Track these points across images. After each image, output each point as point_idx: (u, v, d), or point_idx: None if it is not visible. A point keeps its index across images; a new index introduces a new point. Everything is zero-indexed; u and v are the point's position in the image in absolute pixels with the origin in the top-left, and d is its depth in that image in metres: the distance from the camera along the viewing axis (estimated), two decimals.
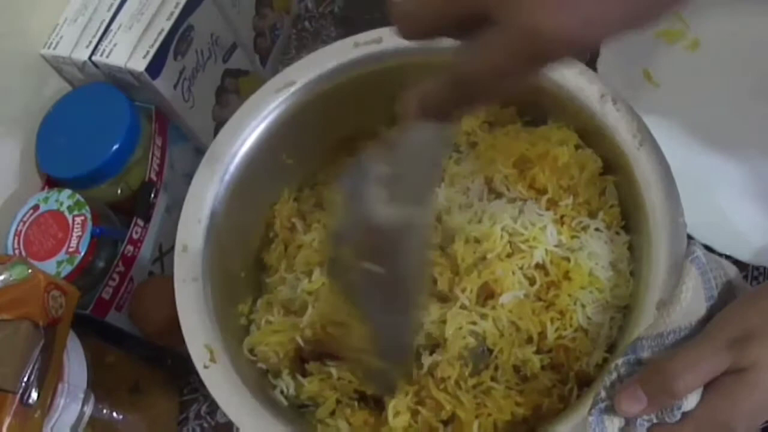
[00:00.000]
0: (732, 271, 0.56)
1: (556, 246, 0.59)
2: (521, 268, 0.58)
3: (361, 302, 0.52)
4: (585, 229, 0.61)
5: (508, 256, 0.58)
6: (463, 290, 0.57)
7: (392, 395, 0.56)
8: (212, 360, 0.56)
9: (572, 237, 0.60)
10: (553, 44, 0.38)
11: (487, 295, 0.58)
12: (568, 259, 0.59)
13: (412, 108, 0.43)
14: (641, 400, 0.49)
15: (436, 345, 0.57)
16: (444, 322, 0.57)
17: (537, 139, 0.63)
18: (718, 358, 0.48)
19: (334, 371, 0.59)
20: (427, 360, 0.56)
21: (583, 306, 0.58)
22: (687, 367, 0.48)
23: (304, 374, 0.61)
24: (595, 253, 0.59)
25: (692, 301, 0.53)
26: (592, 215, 0.62)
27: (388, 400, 0.57)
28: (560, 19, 0.37)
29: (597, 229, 0.61)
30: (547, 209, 0.60)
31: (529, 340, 0.57)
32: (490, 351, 0.57)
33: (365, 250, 0.48)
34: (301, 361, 0.61)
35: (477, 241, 0.59)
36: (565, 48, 0.38)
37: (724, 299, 0.54)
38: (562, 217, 0.61)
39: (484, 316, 0.57)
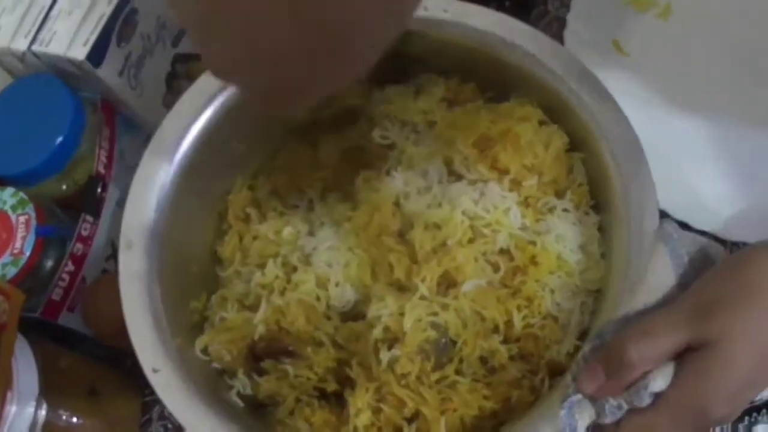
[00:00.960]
0: (711, 247, 0.55)
1: (520, 229, 0.57)
2: (484, 254, 0.56)
3: None
4: (552, 210, 0.58)
5: (470, 241, 0.56)
6: (423, 279, 0.55)
7: None
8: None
9: (537, 219, 0.58)
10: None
11: (448, 284, 0.56)
12: (534, 243, 0.57)
13: None
14: (599, 376, 0.47)
15: (395, 339, 0.55)
16: (402, 314, 0.54)
17: (498, 117, 0.60)
18: (676, 324, 0.46)
19: (290, 369, 0.57)
20: (386, 355, 0.54)
21: (552, 291, 0.56)
22: (639, 334, 0.46)
23: (261, 373, 0.59)
24: (563, 236, 0.57)
25: (659, 277, 0.51)
26: (559, 195, 0.59)
27: (349, 397, 0.55)
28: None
29: (564, 210, 0.59)
30: (511, 190, 0.58)
31: (495, 329, 0.55)
32: (454, 343, 0.55)
33: None
34: (255, 359, 0.59)
35: (437, 226, 0.57)
36: None
37: (699, 271, 0.51)
38: (526, 198, 0.58)
39: (445, 307, 0.55)
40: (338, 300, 0.58)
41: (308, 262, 0.59)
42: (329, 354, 0.57)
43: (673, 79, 0.74)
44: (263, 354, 0.58)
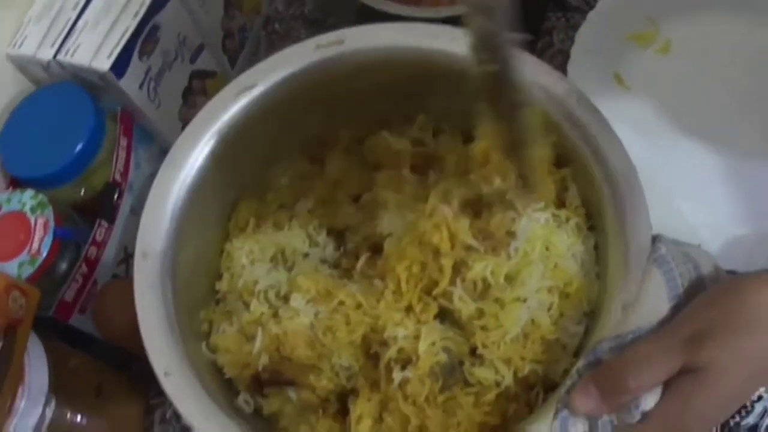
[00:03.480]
0: (707, 263, 0.56)
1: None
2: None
3: None
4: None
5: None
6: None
7: None
8: None
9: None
10: None
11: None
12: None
13: None
14: (593, 397, 0.49)
15: (408, 360, 0.56)
16: (417, 337, 0.56)
17: None
18: (672, 354, 0.48)
19: (293, 395, 0.59)
20: (398, 375, 0.55)
21: (562, 315, 0.57)
22: (638, 362, 0.48)
23: (263, 395, 0.60)
24: (578, 257, 0.59)
25: (653, 302, 0.52)
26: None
27: (351, 405, 0.57)
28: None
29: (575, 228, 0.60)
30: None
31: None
32: (461, 364, 0.56)
33: None
34: (259, 385, 0.60)
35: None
36: None
37: (692, 295, 0.53)
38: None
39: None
40: None
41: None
42: (331, 380, 0.58)
43: (672, 111, 0.76)
44: (267, 383, 0.59)
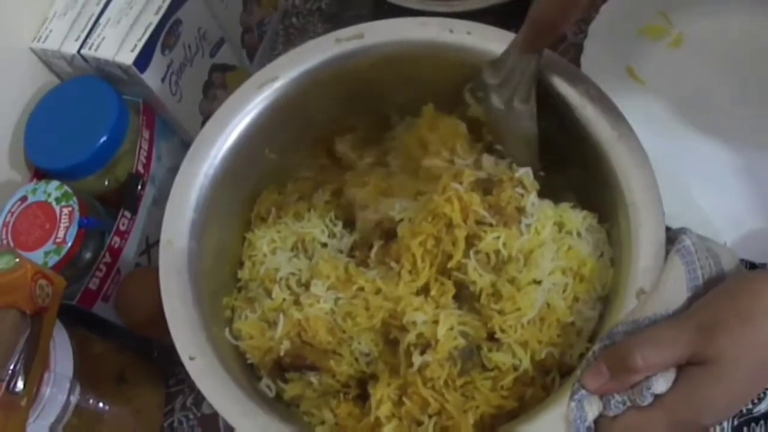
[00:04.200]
0: (730, 261, 0.56)
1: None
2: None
3: None
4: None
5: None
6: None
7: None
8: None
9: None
10: None
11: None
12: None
13: None
14: (603, 375, 0.50)
15: (427, 345, 0.57)
16: (436, 322, 0.57)
17: None
18: (680, 338, 0.49)
19: (314, 380, 0.60)
20: (417, 359, 0.56)
21: (576, 299, 0.58)
22: (646, 342, 0.49)
23: (285, 380, 0.61)
24: (590, 241, 0.60)
25: (672, 290, 0.53)
26: None
27: (371, 389, 0.58)
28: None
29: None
30: None
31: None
32: (479, 349, 0.58)
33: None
34: (280, 369, 0.61)
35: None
36: None
37: (710, 289, 0.54)
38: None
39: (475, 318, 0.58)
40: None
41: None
42: (351, 365, 0.59)
43: (685, 104, 0.77)
44: (288, 368, 0.60)
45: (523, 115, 0.62)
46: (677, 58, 0.81)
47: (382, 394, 0.57)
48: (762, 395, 0.62)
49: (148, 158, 0.73)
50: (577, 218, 0.61)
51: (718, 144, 0.75)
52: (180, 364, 0.56)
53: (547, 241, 0.59)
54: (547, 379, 0.58)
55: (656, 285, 0.53)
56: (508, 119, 0.63)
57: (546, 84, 0.62)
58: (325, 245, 0.66)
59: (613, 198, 0.59)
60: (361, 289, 0.60)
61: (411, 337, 0.57)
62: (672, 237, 0.56)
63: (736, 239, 0.70)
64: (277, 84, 0.65)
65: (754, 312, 0.49)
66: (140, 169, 0.72)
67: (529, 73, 0.60)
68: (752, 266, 0.69)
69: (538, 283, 0.58)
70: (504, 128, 0.64)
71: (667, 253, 0.55)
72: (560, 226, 0.61)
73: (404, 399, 0.56)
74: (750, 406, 0.62)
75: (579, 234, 0.60)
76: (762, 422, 0.63)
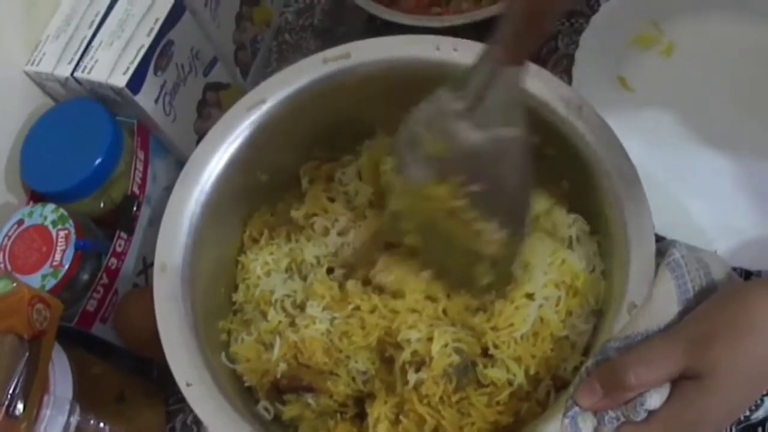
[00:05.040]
0: (720, 270, 0.57)
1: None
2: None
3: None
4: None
5: None
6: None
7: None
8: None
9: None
10: None
11: None
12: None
13: None
14: (597, 393, 0.50)
15: (422, 362, 0.58)
16: (430, 339, 0.57)
17: None
18: (673, 353, 0.49)
19: (312, 401, 0.60)
20: (413, 377, 0.57)
21: (570, 314, 0.59)
22: (638, 360, 0.50)
23: (283, 402, 0.62)
24: (583, 256, 0.61)
25: (662, 304, 0.54)
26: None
27: (369, 408, 0.58)
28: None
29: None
30: None
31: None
32: (474, 365, 0.58)
33: (463, 175, 0.54)
34: (278, 392, 0.61)
35: None
36: None
37: (702, 300, 0.54)
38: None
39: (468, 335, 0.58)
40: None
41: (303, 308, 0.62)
42: (348, 385, 0.59)
43: (677, 113, 0.77)
44: (286, 390, 0.61)
45: (510, 143, 0.52)
46: (669, 66, 0.81)
47: (379, 412, 0.57)
48: (759, 402, 0.62)
49: (143, 179, 0.73)
50: (566, 220, 0.61)
51: (710, 152, 0.76)
52: None
53: (539, 251, 0.60)
54: (541, 393, 0.58)
55: (647, 300, 0.53)
56: (488, 152, 0.53)
57: (529, 96, 0.61)
58: (318, 265, 0.66)
59: (603, 211, 0.59)
60: (357, 308, 0.60)
61: (406, 354, 0.58)
62: (662, 250, 0.56)
63: (730, 248, 0.70)
64: (266, 106, 0.65)
65: (746, 324, 0.49)
66: (135, 190, 0.72)
67: (513, 88, 0.51)
68: (747, 274, 0.69)
69: (530, 296, 0.58)
70: (483, 164, 0.54)
71: (657, 266, 0.55)
72: (552, 229, 0.61)
73: (401, 417, 0.57)
74: (747, 413, 0.62)
75: (570, 240, 0.61)
76: (760, 429, 0.64)
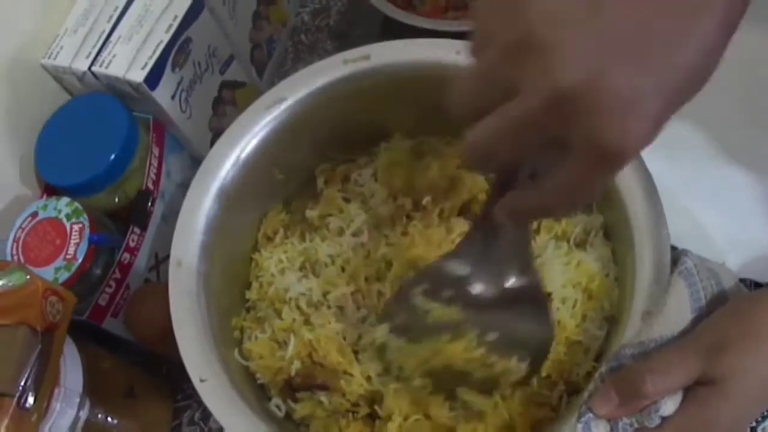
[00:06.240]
0: (730, 279, 0.57)
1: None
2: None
3: None
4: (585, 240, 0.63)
5: None
6: None
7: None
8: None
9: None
10: (627, 156, 0.38)
11: None
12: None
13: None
14: (612, 401, 0.50)
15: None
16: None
17: None
18: (689, 362, 0.49)
19: (324, 400, 0.60)
20: None
21: (584, 318, 0.59)
22: (655, 369, 0.50)
23: (295, 400, 0.62)
24: (600, 260, 0.61)
25: (676, 312, 0.54)
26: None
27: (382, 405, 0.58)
28: (630, 135, 0.37)
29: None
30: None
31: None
32: None
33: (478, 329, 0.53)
34: (291, 389, 0.61)
35: None
36: (640, 150, 0.39)
37: (713, 308, 0.55)
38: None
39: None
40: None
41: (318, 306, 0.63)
42: (362, 385, 0.59)
43: (687, 123, 0.77)
44: (299, 388, 0.61)
45: (523, 289, 0.53)
46: None
47: (391, 410, 0.57)
48: (766, 413, 0.62)
49: (158, 175, 0.74)
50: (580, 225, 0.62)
51: (720, 163, 0.75)
52: (188, 380, 0.56)
53: (554, 252, 0.60)
54: (554, 396, 0.58)
55: (661, 307, 0.54)
56: (501, 304, 0.53)
57: None
58: (333, 264, 0.66)
59: (618, 218, 0.59)
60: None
61: None
62: (674, 258, 0.56)
63: (740, 259, 0.69)
64: (285, 105, 0.66)
65: (761, 331, 0.50)
66: (150, 185, 0.73)
67: (518, 240, 0.52)
68: (756, 285, 0.69)
69: (548, 295, 0.58)
70: (497, 315, 0.53)
71: (670, 274, 0.55)
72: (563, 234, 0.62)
73: (415, 416, 0.57)
74: (754, 424, 0.62)
75: (584, 243, 0.62)
76: None
